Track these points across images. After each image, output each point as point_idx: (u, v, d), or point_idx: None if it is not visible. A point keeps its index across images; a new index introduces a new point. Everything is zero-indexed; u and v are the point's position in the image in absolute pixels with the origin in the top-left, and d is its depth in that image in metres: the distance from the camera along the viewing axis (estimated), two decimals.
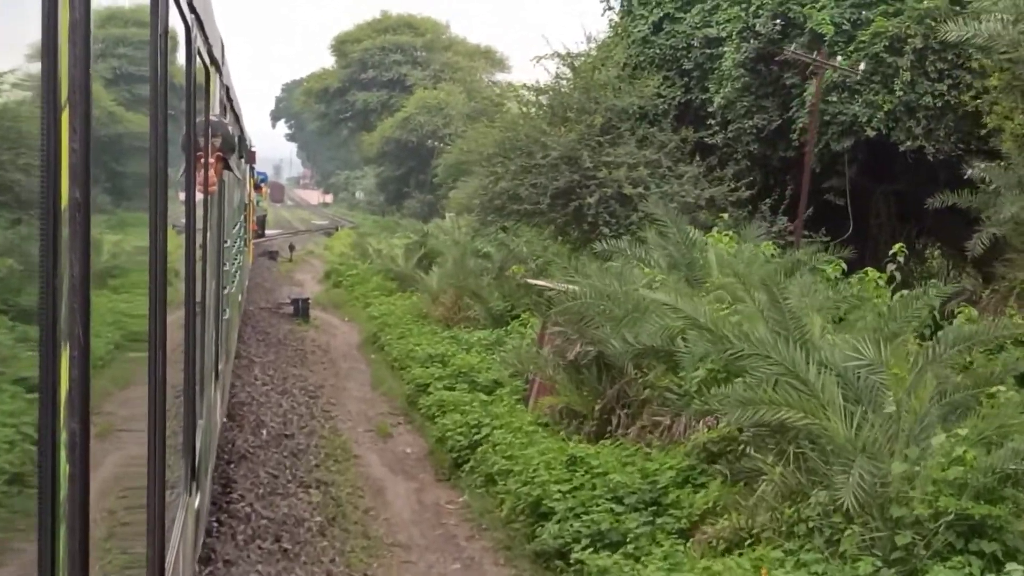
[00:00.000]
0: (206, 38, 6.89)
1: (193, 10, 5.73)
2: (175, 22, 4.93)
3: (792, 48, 23.25)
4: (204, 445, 7.58)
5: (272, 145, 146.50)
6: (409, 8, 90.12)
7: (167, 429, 4.57)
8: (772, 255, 18.67)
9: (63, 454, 2.57)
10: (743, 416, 10.21)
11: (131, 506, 3.96)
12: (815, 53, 22.70)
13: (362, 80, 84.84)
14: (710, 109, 26.70)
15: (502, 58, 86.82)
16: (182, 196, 5.69)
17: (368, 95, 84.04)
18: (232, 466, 13.15)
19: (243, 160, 19.16)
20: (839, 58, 22.49)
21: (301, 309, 29.98)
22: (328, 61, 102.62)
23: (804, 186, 22.62)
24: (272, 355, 23.09)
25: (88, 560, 2.81)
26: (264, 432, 15.44)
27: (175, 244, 5.17)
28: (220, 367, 10.53)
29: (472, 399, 17.37)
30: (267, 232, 56.14)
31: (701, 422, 12.99)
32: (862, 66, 22.14)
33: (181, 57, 5.51)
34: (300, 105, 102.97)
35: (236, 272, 15.63)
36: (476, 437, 15.09)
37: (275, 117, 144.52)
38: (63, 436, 2.56)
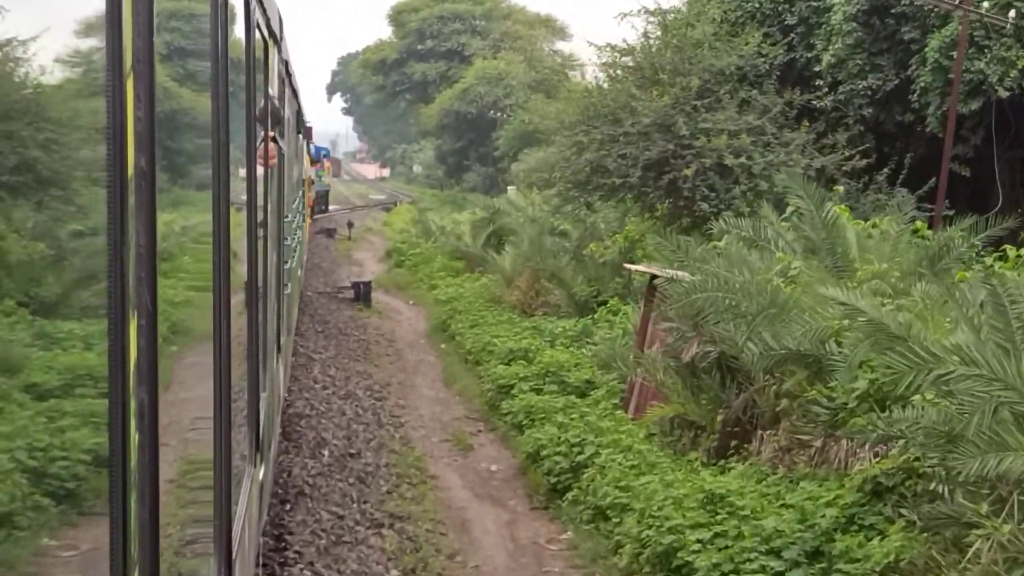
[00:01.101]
0: (264, 11, 6.90)
1: None
2: None
3: None
4: (268, 418, 7.59)
5: (328, 119, 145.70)
6: None
7: (232, 402, 4.51)
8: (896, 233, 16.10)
9: (133, 423, 2.52)
10: (982, 467, 7.56)
11: (198, 477, 3.88)
12: (958, 1, 19.80)
13: (420, 51, 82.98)
14: (817, 69, 24.14)
15: (562, 26, 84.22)
16: (243, 171, 5.66)
17: (426, 66, 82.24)
18: (287, 507, 10.66)
19: (300, 135, 18.29)
20: (985, 3, 19.60)
21: (363, 293, 27.74)
22: (385, 32, 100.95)
23: (946, 152, 19.81)
24: (332, 349, 20.75)
25: (158, 528, 2.74)
26: (326, 453, 12.99)
27: (237, 219, 5.08)
28: (282, 341, 10.33)
29: (565, 404, 14.90)
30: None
31: (867, 446, 10.44)
32: (1012, 13, 19.23)
33: (240, 30, 5.41)
34: (357, 78, 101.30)
35: (296, 247, 15.56)
36: (579, 458, 12.60)
37: (331, 91, 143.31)
38: (132, 405, 2.52)
